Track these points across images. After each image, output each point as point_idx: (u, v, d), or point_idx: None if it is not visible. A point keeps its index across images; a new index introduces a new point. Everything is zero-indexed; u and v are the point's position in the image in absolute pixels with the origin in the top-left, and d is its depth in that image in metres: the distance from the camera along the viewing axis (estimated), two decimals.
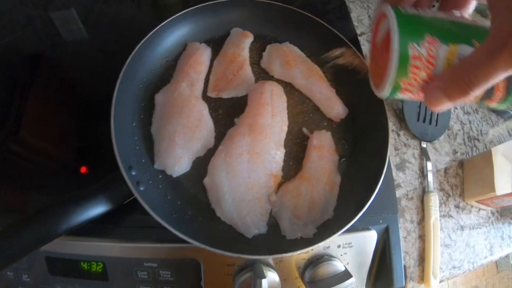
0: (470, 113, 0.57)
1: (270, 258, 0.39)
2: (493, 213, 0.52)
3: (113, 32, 0.54)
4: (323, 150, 0.41)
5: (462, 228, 0.49)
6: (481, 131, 0.56)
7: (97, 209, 0.36)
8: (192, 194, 0.39)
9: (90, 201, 0.36)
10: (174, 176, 0.39)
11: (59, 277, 0.39)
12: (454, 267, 0.47)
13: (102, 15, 0.56)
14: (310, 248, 0.35)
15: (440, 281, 0.46)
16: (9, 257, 0.32)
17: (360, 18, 0.58)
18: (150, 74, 0.44)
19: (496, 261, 0.55)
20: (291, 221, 0.38)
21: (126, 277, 0.38)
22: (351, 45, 0.46)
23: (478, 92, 0.23)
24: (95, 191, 0.37)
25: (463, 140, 0.54)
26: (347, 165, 0.43)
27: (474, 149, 0.54)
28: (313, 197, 0.39)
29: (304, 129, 0.43)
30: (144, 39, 0.42)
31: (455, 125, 0.55)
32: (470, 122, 0.56)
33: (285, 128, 0.41)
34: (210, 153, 0.40)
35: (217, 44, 0.47)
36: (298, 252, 0.35)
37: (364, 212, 0.37)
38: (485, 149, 0.54)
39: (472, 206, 0.50)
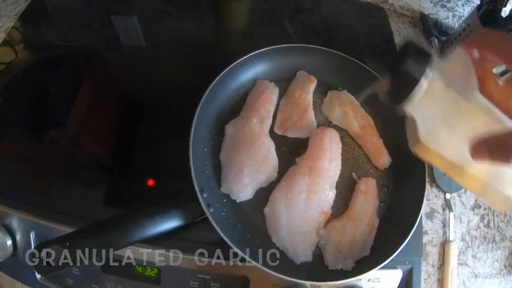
0: None
1: (310, 284, 0.45)
2: (505, 266, 0.57)
3: (170, 45, 0.58)
4: (368, 195, 0.47)
5: (476, 276, 0.54)
6: None
7: (168, 225, 0.40)
8: (252, 219, 0.45)
9: (164, 217, 0.40)
10: (238, 201, 0.45)
11: (111, 276, 0.42)
12: None
13: (162, 28, 0.60)
14: (347, 280, 0.41)
15: None
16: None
17: None
18: (222, 104, 0.50)
19: None
20: (334, 254, 0.44)
21: (179, 284, 0.42)
22: None
23: None
24: (169, 208, 0.41)
25: None
26: (386, 210, 0.49)
27: None
28: (355, 235, 0.45)
29: (354, 175, 0.49)
30: (223, 71, 0.47)
31: None
32: None
33: (338, 172, 0.47)
34: (272, 185, 0.46)
35: (284, 83, 0.53)
36: (337, 282, 0.41)
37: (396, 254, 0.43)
38: None
39: (487, 258, 0.56)
